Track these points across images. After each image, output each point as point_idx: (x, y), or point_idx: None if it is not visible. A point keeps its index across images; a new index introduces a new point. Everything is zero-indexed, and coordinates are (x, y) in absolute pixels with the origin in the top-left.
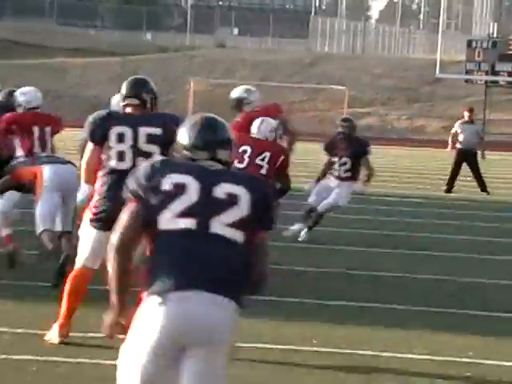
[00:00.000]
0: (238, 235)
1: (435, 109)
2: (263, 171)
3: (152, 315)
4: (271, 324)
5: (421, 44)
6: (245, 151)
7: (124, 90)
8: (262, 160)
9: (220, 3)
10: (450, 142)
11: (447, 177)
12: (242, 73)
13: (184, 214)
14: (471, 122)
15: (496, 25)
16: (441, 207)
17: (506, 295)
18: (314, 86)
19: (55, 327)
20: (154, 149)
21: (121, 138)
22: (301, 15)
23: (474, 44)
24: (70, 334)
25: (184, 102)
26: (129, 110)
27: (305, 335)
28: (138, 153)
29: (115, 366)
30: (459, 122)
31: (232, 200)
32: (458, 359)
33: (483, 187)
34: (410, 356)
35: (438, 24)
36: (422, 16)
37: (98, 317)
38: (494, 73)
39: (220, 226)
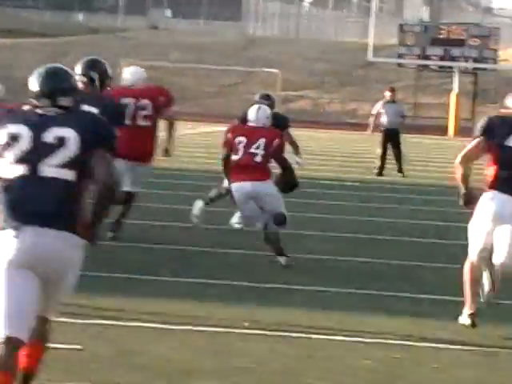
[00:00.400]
0: (69, 174)
1: (367, 92)
2: (258, 159)
3: (1, 243)
4: (201, 306)
5: (353, 27)
6: (240, 142)
7: (78, 68)
8: (257, 148)
9: None
10: (370, 124)
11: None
12: (175, 55)
13: (17, 161)
14: (393, 101)
15: (428, 9)
16: (373, 190)
17: (439, 278)
18: (247, 68)
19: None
20: None
21: None
22: None
23: (405, 28)
24: None
25: (116, 84)
26: (80, 86)
27: (236, 317)
28: None
29: None
30: (381, 101)
31: (60, 143)
32: (388, 341)
33: (400, 168)
34: (341, 338)
35: (371, 8)
36: None
37: None
38: (426, 57)
39: (49, 168)
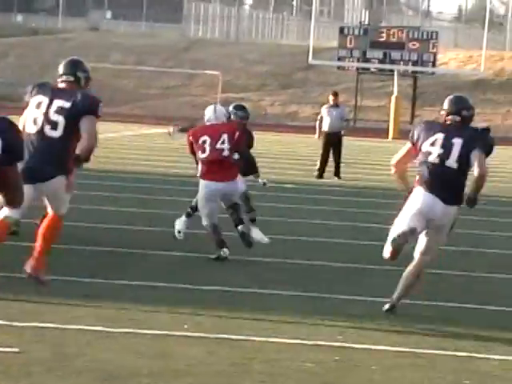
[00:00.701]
0: None
1: (308, 95)
2: (225, 153)
3: None
4: (141, 308)
5: (294, 30)
6: (204, 141)
7: (61, 68)
8: (222, 143)
9: None
10: (317, 129)
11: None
12: (116, 57)
13: None
14: (336, 105)
15: (367, 12)
16: (313, 193)
17: (380, 280)
18: (188, 71)
19: None
20: (60, 119)
21: (38, 105)
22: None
23: (346, 31)
24: None
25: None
26: (63, 85)
27: (176, 320)
28: (46, 120)
29: None
30: (325, 106)
31: None
32: (328, 343)
33: (337, 171)
34: (281, 340)
35: (311, 11)
36: (295, 2)
37: None
38: (366, 60)
39: None
